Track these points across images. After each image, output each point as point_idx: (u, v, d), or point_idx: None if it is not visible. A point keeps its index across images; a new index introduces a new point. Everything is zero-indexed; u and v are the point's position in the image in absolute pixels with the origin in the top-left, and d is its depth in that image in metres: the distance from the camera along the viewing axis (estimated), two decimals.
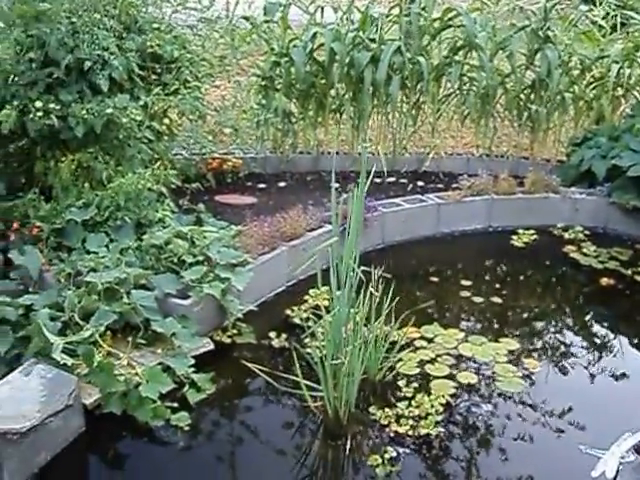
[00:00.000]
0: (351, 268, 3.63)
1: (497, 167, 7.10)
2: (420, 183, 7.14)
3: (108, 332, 3.92)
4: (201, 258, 4.44)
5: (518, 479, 3.36)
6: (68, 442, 3.43)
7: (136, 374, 3.69)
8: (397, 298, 4.07)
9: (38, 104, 4.87)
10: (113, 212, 4.87)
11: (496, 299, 5.12)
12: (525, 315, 5.04)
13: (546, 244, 6.20)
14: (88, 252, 4.55)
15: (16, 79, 5.01)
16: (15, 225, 4.98)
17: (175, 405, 3.70)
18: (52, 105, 4.90)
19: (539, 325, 4.90)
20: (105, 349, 3.78)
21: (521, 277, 5.73)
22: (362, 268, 3.71)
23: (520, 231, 6.28)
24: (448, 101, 7.73)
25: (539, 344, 4.62)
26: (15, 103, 4.88)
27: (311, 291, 4.89)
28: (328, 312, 3.76)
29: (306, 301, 4.85)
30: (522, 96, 7.46)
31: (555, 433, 3.68)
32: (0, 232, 5.01)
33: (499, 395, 4.00)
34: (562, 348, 4.58)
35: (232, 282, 4.32)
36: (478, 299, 5.11)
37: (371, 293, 3.87)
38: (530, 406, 3.89)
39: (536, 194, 6.49)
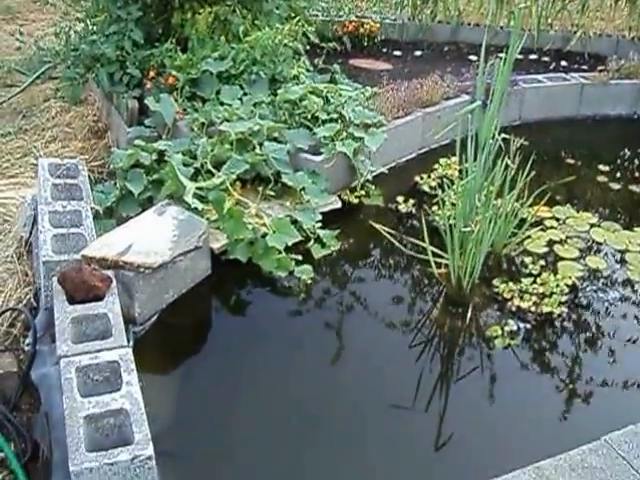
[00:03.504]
0: (490, 135, 3.49)
1: None
2: (563, 63, 6.82)
3: (238, 182, 3.97)
4: (335, 116, 4.39)
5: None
6: (194, 283, 3.52)
7: (264, 224, 3.74)
8: (531, 174, 3.93)
9: None
10: (248, 66, 4.85)
11: (634, 188, 4.89)
12: None
13: None
14: (222, 104, 4.58)
15: None
16: (151, 73, 5.04)
17: (299, 258, 3.74)
18: None
19: None
20: (235, 197, 3.83)
21: None
22: (502, 136, 3.57)
23: None
24: None
25: None
26: None
27: (441, 160, 4.82)
28: (461, 180, 3.67)
29: (436, 170, 4.78)
30: None
31: None
32: (137, 80, 5.08)
33: (628, 283, 3.85)
34: None
35: (365, 142, 4.27)
36: (615, 186, 4.90)
37: (506, 165, 3.74)
38: None
39: None
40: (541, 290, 3.66)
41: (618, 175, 5.07)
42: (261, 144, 4.09)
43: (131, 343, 3.00)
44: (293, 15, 5.61)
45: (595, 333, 3.47)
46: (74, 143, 5.25)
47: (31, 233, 3.70)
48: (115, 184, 4.11)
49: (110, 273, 3.08)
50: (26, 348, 3.06)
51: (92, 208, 3.62)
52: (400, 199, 4.45)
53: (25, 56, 6.61)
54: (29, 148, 5.08)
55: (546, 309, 3.53)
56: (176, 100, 4.73)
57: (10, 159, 4.90)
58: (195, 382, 3.05)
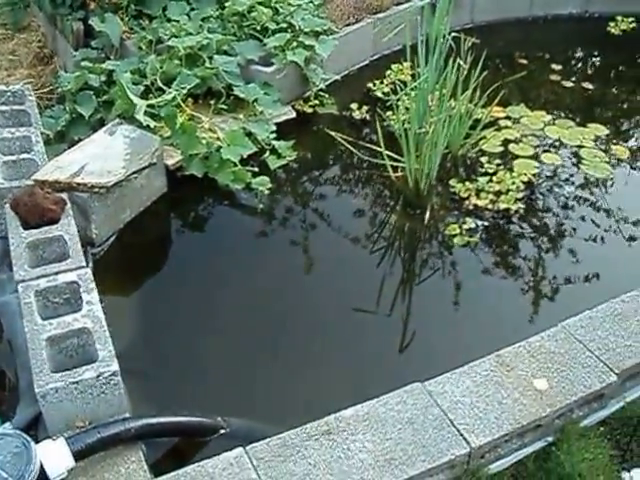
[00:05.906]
0: (441, 35, 3.46)
1: None
2: None
3: (190, 98, 3.91)
4: (284, 26, 4.31)
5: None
6: (151, 201, 3.49)
7: (218, 138, 3.69)
8: (484, 75, 3.90)
9: None
10: None
11: (587, 85, 4.90)
12: (617, 104, 4.80)
13: None
14: (169, 20, 4.47)
15: None
16: None
17: (255, 170, 3.71)
18: None
19: (630, 114, 4.68)
20: (187, 113, 3.77)
21: (615, 66, 5.37)
22: (452, 35, 3.54)
23: (619, 18, 5.83)
24: None
25: (629, 132, 4.43)
26: None
27: (394, 66, 4.78)
28: (413, 83, 3.66)
29: (388, 76, 4.74)
30: None
31: None
32: (80, 1, 4.93)
33: (583, 178, 3.90)
34: None
35: (316, 50, 4.22)
36: (568, 84, 4.90)
37: (459, 66, 3.71)
38: (611, 195, 3.79)
39: None
40: (497, 188, 3.70)
41: (571, 73, 5.06)
42: (211, 58, 4.01)
43: (90, 265, 2.98)
44: None
45: (550, 226, 3.53)
46: (20, 71, 5.14)
47: None
48: (65, 108, 4.03)
49: (64, 196, 3.03)
50: None
51: (42, 133, 3.54)
52: (354, 106, 4.42)
53: None
54: None
55: (503, 206, 3.58)
56: (122, 19, 4.61)
57: None
58: (156, 300, 3.06)
